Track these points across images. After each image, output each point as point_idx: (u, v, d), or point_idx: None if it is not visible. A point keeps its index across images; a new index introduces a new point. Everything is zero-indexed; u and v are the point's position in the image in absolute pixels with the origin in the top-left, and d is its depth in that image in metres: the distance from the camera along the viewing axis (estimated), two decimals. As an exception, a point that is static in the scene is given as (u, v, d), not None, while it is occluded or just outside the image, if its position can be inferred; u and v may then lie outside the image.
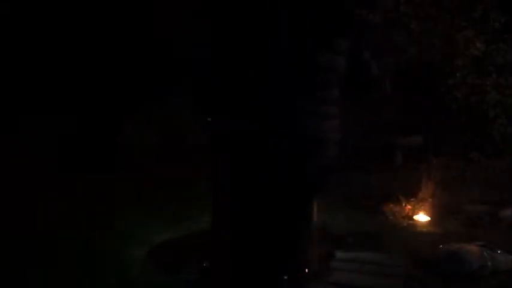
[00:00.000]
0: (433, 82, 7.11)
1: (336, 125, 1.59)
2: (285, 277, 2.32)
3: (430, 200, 3.99)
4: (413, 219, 3.85)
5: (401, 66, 7.81)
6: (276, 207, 1.53)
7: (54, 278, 2.74)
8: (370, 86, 1.70)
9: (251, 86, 1.46)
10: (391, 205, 4.21)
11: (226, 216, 1.59)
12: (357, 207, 4.30)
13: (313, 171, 1.52)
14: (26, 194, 4.38)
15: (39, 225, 3.69)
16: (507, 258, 2.81)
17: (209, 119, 1.57)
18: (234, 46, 1.48)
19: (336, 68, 1.51)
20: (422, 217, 3.85)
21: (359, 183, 5.34)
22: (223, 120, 1.54)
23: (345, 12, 1.56)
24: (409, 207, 4.02)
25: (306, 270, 2.44)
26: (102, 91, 5.99)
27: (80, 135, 5.94)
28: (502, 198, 4.48)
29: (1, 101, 5.72)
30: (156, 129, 6.16)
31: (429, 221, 3.79)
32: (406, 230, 3.61)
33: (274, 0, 1.46)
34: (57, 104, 5.96)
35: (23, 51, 5.91)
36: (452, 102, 6.86)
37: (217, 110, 1.57)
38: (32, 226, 3.65)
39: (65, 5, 5.90)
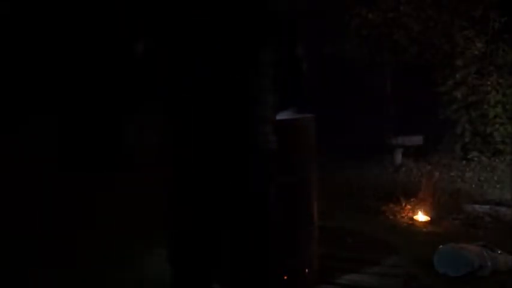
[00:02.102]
0: (433, 82, 7.12)
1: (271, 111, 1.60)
2: (285, 277, 2.33)
3: (430, 200, 3.99)
4: (413, 219, 3.85)
5: (401, 66, 7.82)
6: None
7: (54, 279, 2.74)
8: (302, 83, 1.70)
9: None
10: (391, 205, 4.21)
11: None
12: (357, 207, 4.30)
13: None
14: (26, 194, 4.39)
15: (39, 225, 3.69)
16: (507, 258, 2.81)
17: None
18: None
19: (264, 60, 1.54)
20: (422, 217, 3.85)
21: (359, 182, 5.34)
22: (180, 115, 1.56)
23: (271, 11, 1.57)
24: (409, 207, 4.03)
25: (306, 270, 2.45)
26: (103, 91, 5.99)
27: (80, 135, 5.94)
28: (502, 198, 4.49)
29: (1, 100, 5.72)
30: (156, 129, 6.15)
31: (429, 221, 3.79)
32: (406, 230, 3.61)
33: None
34: (57, 104, 5.96)
35: (23, 50, 5.91)
36: (452, 102, 6.87)
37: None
38: (32, 226, 3.65)
39: (66, 5, 5.90)
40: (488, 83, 6.57)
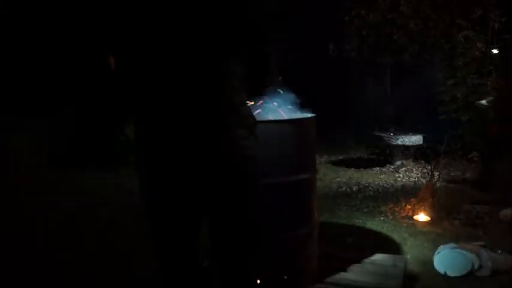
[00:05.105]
0: (433, 82, 7.12)
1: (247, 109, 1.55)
2: (285, 277, 2.33)
3: (430, 200, 3.99)
4: (413, 219, 3.85)
5: (401, 66, 7.82)
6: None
7: (54, 279, 2.74)
8: (268, 81, 1.65)
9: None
10: (391, 205, 4.21)
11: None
12: (357, 207, 4.31)
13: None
14: (26, 194, 4.39)
15: (39, 225, 3.69)
16: (507, 258, 2.81)
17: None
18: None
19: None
20: (422, 217, 3.85)
21: (359, 182, 5.35)
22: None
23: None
24: (409, 207, 4.03)
25: (306, 271, 2.45)
26: (103, 90, 5.99)
27: (81, 135, 5.95)
28: (502, 198, 4.49)
29: (1, 101, 5.73)
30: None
31: (429, 221, 3.79)
32: (406, 230, 3.61)
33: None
34: (57, 103, 5.96)
35: (23, 50, 5.91)
36: (452, 102, 6.88)
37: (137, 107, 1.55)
38: (31, 226, 3.65)
39: (66, 3, 5.91)
40: (488, 83, 6.58)
